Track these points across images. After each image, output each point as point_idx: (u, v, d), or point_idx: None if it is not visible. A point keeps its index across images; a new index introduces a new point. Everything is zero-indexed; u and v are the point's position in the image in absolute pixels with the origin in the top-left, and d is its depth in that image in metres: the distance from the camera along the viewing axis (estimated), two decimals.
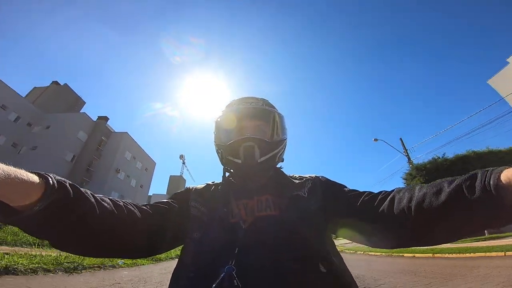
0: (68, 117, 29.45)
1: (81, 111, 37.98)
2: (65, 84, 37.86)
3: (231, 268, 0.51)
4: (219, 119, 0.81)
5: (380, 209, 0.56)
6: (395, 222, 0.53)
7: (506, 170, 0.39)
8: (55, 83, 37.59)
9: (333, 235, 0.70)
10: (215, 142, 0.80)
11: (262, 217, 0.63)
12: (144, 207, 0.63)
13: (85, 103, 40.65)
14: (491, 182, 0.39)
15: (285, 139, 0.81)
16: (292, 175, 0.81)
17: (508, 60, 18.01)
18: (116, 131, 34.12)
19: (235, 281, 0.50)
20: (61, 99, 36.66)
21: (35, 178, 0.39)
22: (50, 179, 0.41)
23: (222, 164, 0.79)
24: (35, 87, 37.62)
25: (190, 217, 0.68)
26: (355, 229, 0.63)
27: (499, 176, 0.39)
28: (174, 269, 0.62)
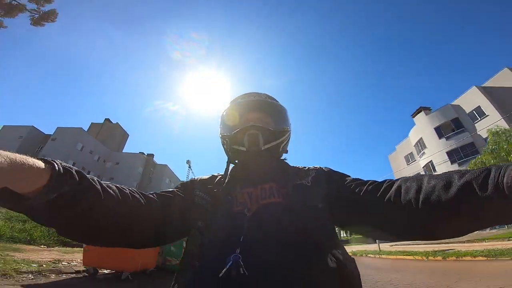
0: (130, 155, 42.34)
1: (126, 143, 50.70)
2: (117, 123, 50.17)
3: (237, 256, 0.51)
4: (224, 113, 0.83)
5: (386, 198, 0.54)
6: (401, 213, 0.51)
7: None
8: (108, 120, 49.70)
9: (336, 227, 0.67)
10: (220, 134, 0.83)
11: (266, 204, 0.63)
12: (150, 195, 0.63)
13: (128, 135, 52.96)
14: (505, 180, 0.37)
15: (288, 130, 0.82)
16: (296, 166, 0.80)
17: (396, 147, 29.74)
18: (158, 163, 47.11)
19: (241, 269, 0.49)
20: (114, 134, 48.81)
21: (41, 164, 0.39)
22: (56, 165, 0.40)
23: (227, 155, 0.80)
24: (92, 123, 49.60)
25: (195, 206, 0.68)
26: (358, 219, 0.62)
27: None
28: (181, 259, 0.63)
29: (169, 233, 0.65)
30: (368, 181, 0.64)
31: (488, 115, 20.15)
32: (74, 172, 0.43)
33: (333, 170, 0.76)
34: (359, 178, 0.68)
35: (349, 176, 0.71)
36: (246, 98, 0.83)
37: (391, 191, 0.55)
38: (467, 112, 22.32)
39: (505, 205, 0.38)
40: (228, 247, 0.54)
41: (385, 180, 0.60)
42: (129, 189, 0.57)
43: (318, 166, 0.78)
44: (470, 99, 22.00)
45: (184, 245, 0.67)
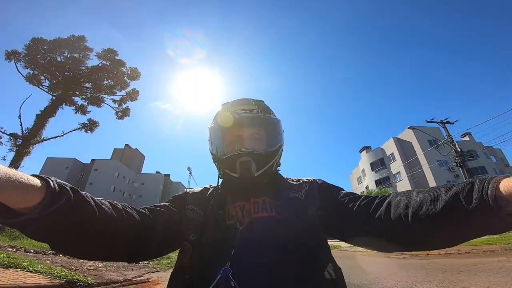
0: (153, 176, 53.67)
1: (143, 163, 61.62)
2: (136, 148, 60.79)
3: (227, 270, 0.51)
4: (213, 125, 0.80)
5: (377, 214, 0.56)
6: (391, 228, 0.53)
7: (506, 179, 0.38)
8: (128, 146, 60.18)
9: (328, 238, 0.68)
10: (210, 151, 0.80)
11: (259, 218, 0.63)
12: (143, 210, 0.63)
13: (145, 157, 63.54)
14: (489, 192, 0.38)
15: (281, 145, 0.80)
16: (289, 178, 0.80)
17: (353, 170, 42.98)
18: (173, 180, 58.65)
19: (231, 282, 0.49)
20: (134, 158, 59.40)
21: (36, 181, 0.39)
22: (51, 182, 0.41)
23: (219, 172, 0.78)
24: (115, 149, 60.02)
25: (187, 219, 0.67)
26: (351, 233, 0.63)
27: (497, 186, 0.38)
28: (172, 272, 0.63)
29: (161, 246, 0.65)
30: (361, 195, 0.65)
31: (396, 160, 32.84)
32: (68, 189, 0.43)
33: (327, 183, 0.76)
34: (353, 192, 0.69)
35: (343, 190, 0.72)
36: (237, 112, 0.77)
37: (382, 207, 0.56)
38: (387, 155, 34.99)
39: (490, 217, 0.39)
40: (219, 261, 0.54)
41: (377, 196, 0.62)
42: (121, 204, 0.57)
43: (312, 178, 0.78)
44: (389, 145, 34.58)
45: None
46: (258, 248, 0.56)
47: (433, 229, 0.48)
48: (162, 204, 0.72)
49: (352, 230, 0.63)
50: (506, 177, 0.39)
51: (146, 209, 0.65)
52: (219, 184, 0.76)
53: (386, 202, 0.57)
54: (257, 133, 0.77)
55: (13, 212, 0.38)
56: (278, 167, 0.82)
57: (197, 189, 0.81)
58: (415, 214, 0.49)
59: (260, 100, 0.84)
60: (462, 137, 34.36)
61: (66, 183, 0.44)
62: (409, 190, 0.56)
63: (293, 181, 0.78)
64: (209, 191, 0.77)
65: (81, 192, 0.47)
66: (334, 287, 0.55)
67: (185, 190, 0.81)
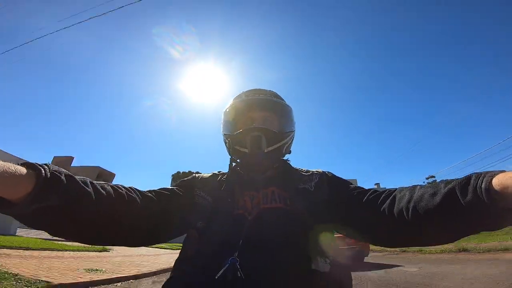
0: None
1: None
2: (189, 171, 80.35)
3: (234, 259, 0.51)
4: (227, 110, 0.81)
5: (382, 208, 0.56)
6: (393, 222, 0.54)
7: (500, 174, 0.38)
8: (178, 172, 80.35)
9: (335, 231, 0.68)
10: (222, 132, 0.81)
11: (268, 209, 0.63)
12: (149, 194, 0.62)
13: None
14: (483, 186, 0.39)
15: (293, 130, 0.81)
16: (299, 168, 0.80)
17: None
18: None
19: (238, 272, 0.50)
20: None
21: (24, 171, 0.38)
22: (43, 171, 0.39)
23: (229, 154, 0.79)
24: (172, 175, 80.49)
25: (195, 206, 0.67)
26: (356, 226, 0.63)
27: (491, 180, 0.38)
28: (177, 259, 0.62)
29: (165, 231, 0.65)
30: (370, 189, 0.65)
31: None
32: (63, 177, 0.42)
33: (336, 176, 0.76)
34: (361, 186, 0.69)
35: (352, 184, 0.72)
36: (251, 96, 0.80)
37: (387, 202, 0.57)
38: None
39: (484, 211, 0.39)
40: (227, 250, 0.54)
41: (385, 190, 0.62)
42: (125, 188, 0.57)
43: (321, 170, 0.78)
44: None
45: None
46: (266, 239, 0.56)
47: (431, 223, 0.48)
48: (169, 187, 0.71)
49: (358, 223, 0.63)
50: (503, 171, 0.39)
51: (152, 193, 0.64)
52: (230, 171, 0.77)
53: (391, 196, 0.57)
54: (269, 115, 0.78)
55: (6, 201, 0.37)
56: (288, 155, 0.83)
57: (206, 174, 0.80)
58: (415, 208, 0.49)
59: (273, 90, 0.86)
60: (375, 185, 44.90)
61: (62, 170, 0.43)
62: (414, 185, 0.57)
63: (303, 172, 0.78)
64: (218, 178, 0.77)
65: (79, 178, 0.46)
66: (339, 280, 0.56)
67: (194, 175, 0.80)
